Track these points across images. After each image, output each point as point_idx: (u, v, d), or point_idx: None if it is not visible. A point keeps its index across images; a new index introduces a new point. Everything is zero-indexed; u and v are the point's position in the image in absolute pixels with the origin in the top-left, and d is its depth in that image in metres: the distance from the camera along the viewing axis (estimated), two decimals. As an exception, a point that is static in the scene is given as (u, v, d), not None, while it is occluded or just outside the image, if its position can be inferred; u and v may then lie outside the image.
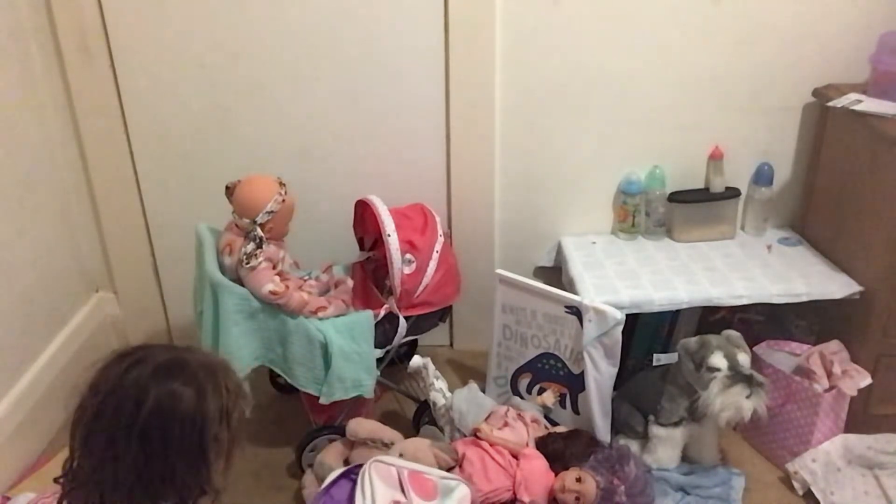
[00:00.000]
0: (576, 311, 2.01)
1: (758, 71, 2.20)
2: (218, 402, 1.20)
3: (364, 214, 2.11)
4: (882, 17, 2.12)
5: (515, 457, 1.86)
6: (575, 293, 2.06)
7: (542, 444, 1.94)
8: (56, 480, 1.25)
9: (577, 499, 1.77)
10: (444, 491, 1.69)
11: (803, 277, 2.09)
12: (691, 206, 2.29)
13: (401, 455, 1.78)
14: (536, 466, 1.85)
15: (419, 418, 2.11)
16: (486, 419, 1.98)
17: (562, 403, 2.15)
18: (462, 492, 1.70)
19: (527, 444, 1.92)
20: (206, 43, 2.17)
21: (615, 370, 2.00)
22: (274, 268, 1.87)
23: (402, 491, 1.63)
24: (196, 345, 1.28)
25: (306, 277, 2.07)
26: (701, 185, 2.30)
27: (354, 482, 1.66)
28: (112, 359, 1.23)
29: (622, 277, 2.13)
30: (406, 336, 2.00)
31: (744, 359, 1.87)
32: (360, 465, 1.69)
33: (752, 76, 2.20)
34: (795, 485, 1.95)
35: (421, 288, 1.97)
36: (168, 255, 2.45)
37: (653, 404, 1.99)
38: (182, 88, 2.22)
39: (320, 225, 2.25)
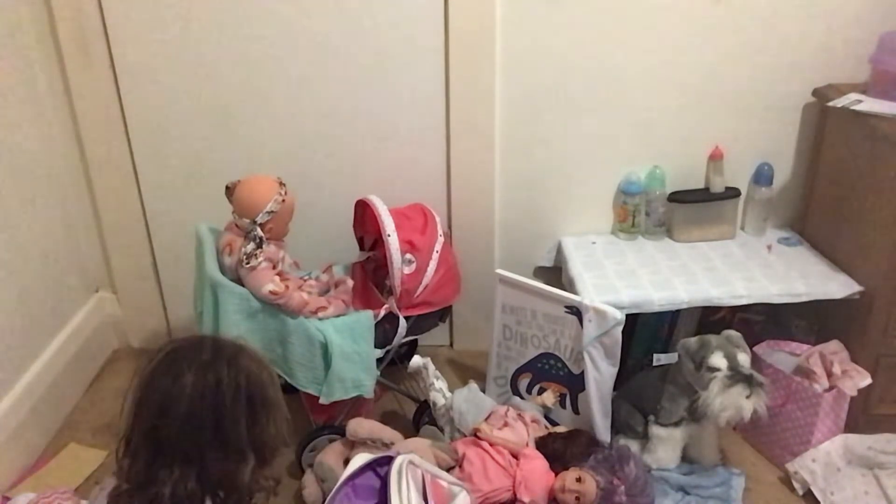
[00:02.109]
0: (576, 311, 2.01)
1: (758, 71, 2.20)
2: (277, 392, 1.37)
3: (364, 214, 2.11)
4: (882, 17, 2.12)
5: (515, 457, 1.86)
6: (575, 293, 2.06)
7: (542, 444, 1.94)
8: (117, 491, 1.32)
9: (577, 499, 1.77)
10: (450, 497, 1.69)
11: (803, 277, 2.09)
12: (691, 206, 2.29)
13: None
14: (536, 466, 1.85)
15: (419, 418, 2.11)
16: (486, 419, 1.98)
17: (562, 403, 2.15)
18: (463, 500, 1.69)
19: (527, 444, 1.92)
20: (206, 43, 2.17)
21: (615, 370, 2.00)
22: (274, 268, 1.87)
23: (425, 499, 1.61)
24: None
25: (306, 277, 2.07)
26: (701, 185, 2.30)
27: (380, 477, 1.63)
28: (157, 367, 1.29)
29: (622, 277, 2.13)
30: (406, 336, 2.00)
31: (744, 359, 1.87)
32: (386, 457, 1.65)
33: (752, 76, 2.20)
34: (795, 485, 1.95)
35: (421, 288, 1.97)
36: (168, 255, 2.45)
37: (653, 404, 1.99)
38: (182, 89, 2.23)
39: (320, 225, 2.25)
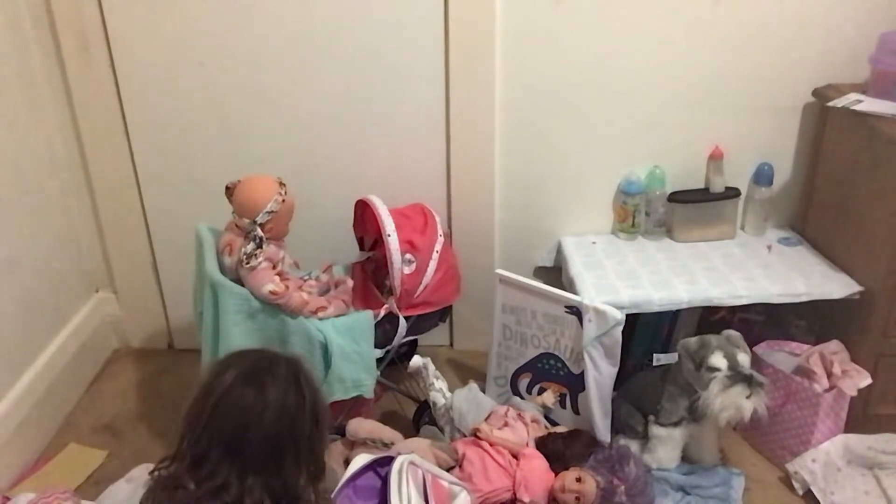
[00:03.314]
0: (576, 311, 2.01)
1: (758, 71, 2.20)
2: (324, 396, 1.41)
3: (364, 214, 2.11)
4: (882, 17, 2.12)
5: (515, 457, 1.86)
6: (575, 293, 2.06)
7: (542, 444, 1.94)
8: (153, 473, 1.35)
9: (577, 499, 1.77)
10: (451, 497, 1.69)
11: (803, 277, 2.09)
12: (691, 206, 2.29)
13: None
14: (536, 466, 1.85)
15: (419, 418, 2.11)
16: (486, 419, 1.98)
17: (562, 403, 2.15)
18: (464, 500, 1.69)
19: (527, 444, 1.92)
20: (206, 43, 2.17)
21: (615, 370, 2.00)
22: (274, 268, 1.87)
23: (426, 499, 1.61)
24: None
25: (306, 277, 2.07)
26: (701, 185, 2.30)
27: (381, 477, 1.64)
28: (242, 377, 1.32)
29: (622, 277, 2.13)
30: (406, 336, 2.00)
31: (744, 359, 1.87)
32: (387, 458, 1.66)
33: (752, 76, 2.20)
34: (795, 485, 1.95)
35: (421, 288, 1.97)
36: (168, 255, 2.45)
37: (653, 404, 1.99)
38: (182, 88, 2.23)
39: (320, 225, 2.25)
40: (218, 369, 1.33)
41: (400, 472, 1.60)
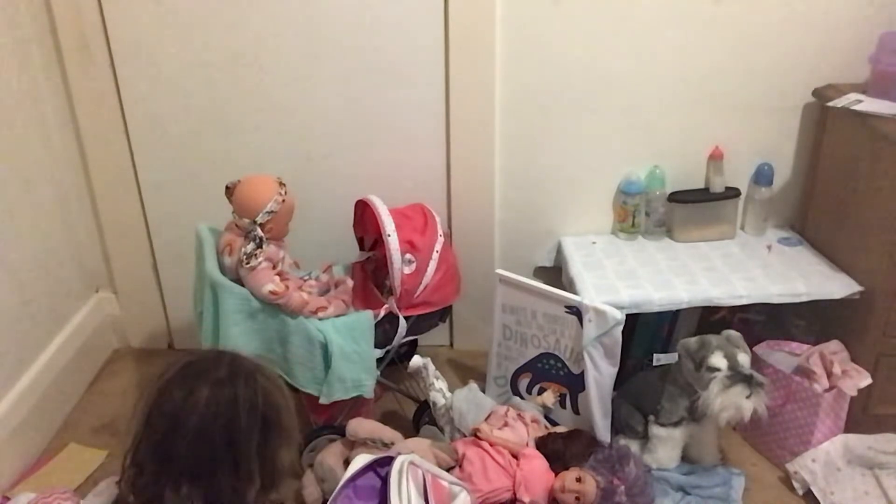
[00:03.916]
0: (576, 311, 2.01)
1: (758, 71, 2.20)
2: (291, 419, 1.33)
3: (364, 214, 2.11)
4: (882, 17, 2.12)
5: (515, 457, 1.86)
6: (575, 293, 2.06)
7: (542, 444, 1.94)
8: (118, 483, 1.30)
9: (577, 499, 1.77)
10: (451, 497, 1.69)
11: (803, 277, 2.09)
12: (691, 206, 2.29)
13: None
14: (536, 466, 1.85)
15: (419, 418, 2.11)
16: (486, 419, 1.98)
17: (562, 403, 2.15)
18: (464, 500, 1.69)
19: (527, 444, 1.92)
20: (206, 43, 2.17)
21: (615, 370, 2.00)
22: (274, 268, 1.87)
23: (426, 499, 1.61)
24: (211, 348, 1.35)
25: (306, 277, 2.07)
26: (701, 185, 2.30)
27: (381, 477, 1.64)
28: (172, 380, 1.27)
29: (622, 277, 2.13)
30: (406, 336, 2.00)
31: (744, 359, 1.87)
32: (387, 458, 1.66)
33: (752, 76, 2.20)
34: (795, 485, 1.95)
35: (421, 288, 1.97)
36: (168, 255, 2.45)
37: (653, 404, 1.99)
38: (182, 88, 2.23)
39: (320, 225, 2.25)
40: (159, 374, 1.28)
41: (400, 472, 1.60)
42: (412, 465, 1.64)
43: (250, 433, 1.25)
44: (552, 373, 2.14)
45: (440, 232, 2.03)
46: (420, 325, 2.03)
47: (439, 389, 2.03)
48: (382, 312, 1.96)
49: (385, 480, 1.61)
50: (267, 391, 1.30)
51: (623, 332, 1.96)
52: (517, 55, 2.17)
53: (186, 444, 1.22)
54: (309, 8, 2.13)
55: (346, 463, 1.85)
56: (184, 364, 1.29)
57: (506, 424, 1.96)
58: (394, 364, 2.18)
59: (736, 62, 2.19)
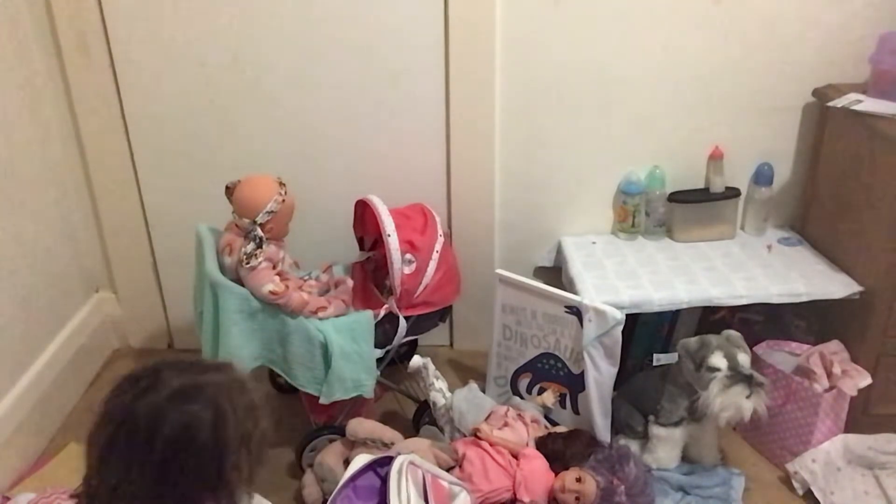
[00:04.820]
0: (576, 311, 2.01)
1: (758, 71, 2.20)
2: (237, 428, 1.14)
3: (364, 214, 2.11)
4: (882, 17, 2.12)
5: (515, 457, 1.86)
6: (575, 293, 2.06)
7: (542, 444, 1.94)
8: (73, 496, 1.20)
9: (577, 499, 1.77)
10: (451, 497, 1.69)
11: (803, 277, 2.09)
12: (691, 206, 2.29)
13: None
14: (536, 466, 1.85)
15: (419, 418, 2.11)
16: (486, 419, 1.98)
17: (562, 403, 2.15)
18: (464, 500, 1.69)
19: (527, 444, 1.92)
20: (206, 43, 2.17)
21: (615, 370, 2.00)
22: (274, 268, 1.87)
23: (426, 499, 1.61)
24: (204, 358, 1.20)
25: (306, 277, 2.07)
26: (701, 185, 2.30)
27: (381, 477, 1.64)
28: (124, 382, 1.17)
29: (622, 277, 2.13)
30: (406, 336, 2.00)
31: (744, 359, 1.87)
32: (387, 458, 1.66)
33: (752, 76, 2.20)
34: (795, 485, 1.95)
35: (421, 288, 1.97)
36: (168, 255, 2.45)
37: (653, 404, 1.99)
38: (182, 88, 2.22)
39: (320, 225, 2.25)
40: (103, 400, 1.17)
41: (399, 472, 1.60)
42: (412, 465, 1.64)
43: (202, 456, 1.12)
44: (552, 373, 2.14)
45: (440, 232, 2.03)
46: (420, 325, 2.03)
47: (439, 389, 2.03)
48: (382, 312, 1.96)
49: (385, 480, 1.61)
50: (225, 410, 1.14)
51: (623, 332, 1.96)
52: (517, 55, 2.17)
53: (118, 463, 1.11)
54: (309, 8, 2.13)
55: (346, 463, 1.85)
56: (129, 379, 1.18)
57: (506, 424, 1.96)
58: (394, 364, 2.18)
59: (736, 62, 2.19)
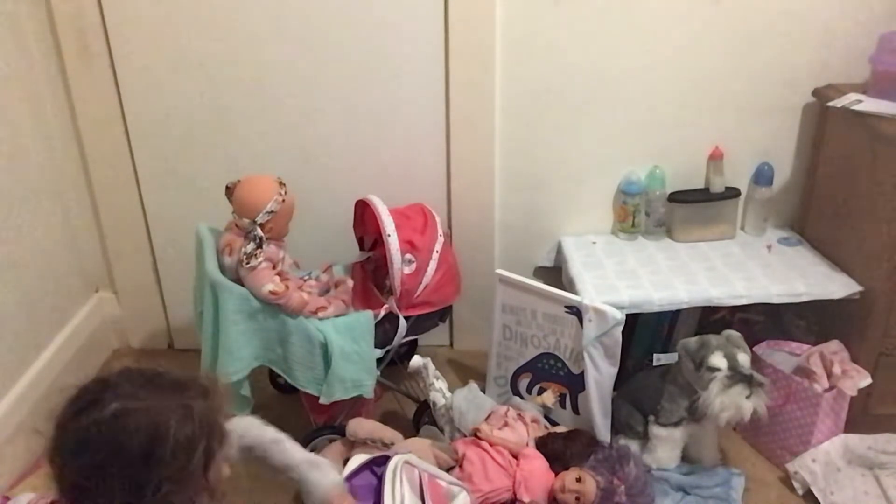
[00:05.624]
0: (576, 311, 2.01)
1: (758, 71, 2.20)
2: (190, 431, 1.10)
3: (364, 214, 2.11)
4: (882, 17, 2.12)
5: (515, 457, 1.86)
6: (575, 293, 2.06)
7: (542, 444, 1.94)
8: None
9: (577, 499, 1.77)
10: (450, 497, 1.68)
11: (803, 277, 2.09)
12: (691, 206, 2.29)
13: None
14: (536, 466, 1.85)
15: (419, 418, 2.11)
16: (486, 419, 1.98)
17: (562, 403, 2.15)
18: (463, 500, 1.69)
19: (527, 444, 1.92)
20: (206, 43, 2.17)
21: (615, 370, 2.00)
22: (274, 268, 1.87)
23: (422, 499, 1.61)
24: (168, 374, 1.18)
25: (306, 277, 2.07)
26: (701, 185, 2.30)
27: (377, 476, 1.63)
28: (76, 394, 1.16)
29: (622, 277, 2.13)
30: (406, 336, 2.00)
31: (744, 359, 1.87)
32: (383, 457, 1.66)
33: (752, 76, 2.20)
34: (795, 485, 1.95)
35: (421, 288, 1.97)
36: (168, 256, 2.45)
37: (653, 404, 1.99)
38: (182, 88, 2.22)
39: (320, 225, 2.25)
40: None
41: (394, 471, 1.60)
42: (408, 464, 1.63)
43: (133, 471, 1.09)
44: (552, 373, 2.14)
45: (440, 232, 2.03)
46: (420, 325, 2.03)
47: (439, 389, 2.03)
48: (382, 312, 1.96)
49: (382, 480, 1.61)
50: (170, 430, 1.10)
51: (623, 332, 1.96)
52: (517, 55, 2.17)
53: (69, 479, 1.10)
54: (309, 8, 2.13)
55: (346, 463, 1.85)
56: (81, 391, 1.16)
57: (506, 424, 1.96)
58: (394, 364, 2.18)
59: (736, 62, 2.19)
